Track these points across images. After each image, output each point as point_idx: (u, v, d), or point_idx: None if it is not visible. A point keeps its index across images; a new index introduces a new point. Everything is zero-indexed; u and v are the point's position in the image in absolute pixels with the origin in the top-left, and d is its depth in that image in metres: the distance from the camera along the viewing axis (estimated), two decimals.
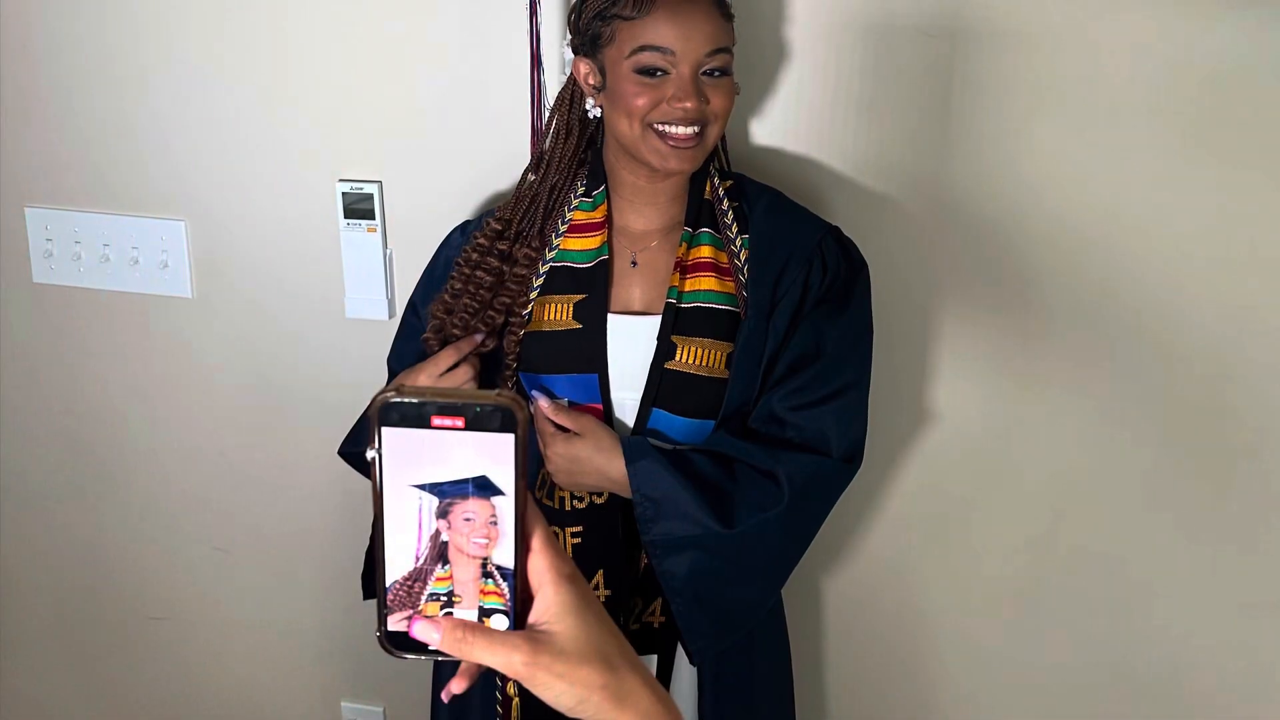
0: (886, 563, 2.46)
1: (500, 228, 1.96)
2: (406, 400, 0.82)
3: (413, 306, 2.09)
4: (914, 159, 2.19)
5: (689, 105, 1.77)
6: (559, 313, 1.91)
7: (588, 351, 1.91)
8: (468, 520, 0.85)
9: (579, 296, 1.91)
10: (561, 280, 1.93)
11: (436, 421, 0.82)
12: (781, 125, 2.22)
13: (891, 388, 2.25)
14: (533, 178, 2.00)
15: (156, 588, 2.85)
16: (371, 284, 2.42)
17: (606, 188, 1.97)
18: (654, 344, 1.90)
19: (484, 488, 0.84)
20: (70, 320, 2.65)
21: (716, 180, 1.99)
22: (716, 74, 1.81)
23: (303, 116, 2.37)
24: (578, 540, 1.95)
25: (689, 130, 1.80)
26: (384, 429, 0.82)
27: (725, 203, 1.97)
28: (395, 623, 0.87)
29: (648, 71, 1.79)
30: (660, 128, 1.81)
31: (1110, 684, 2.42)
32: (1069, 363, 2.25)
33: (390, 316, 2.43)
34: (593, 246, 1.92)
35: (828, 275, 1.96)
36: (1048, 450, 2.31)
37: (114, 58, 2.41)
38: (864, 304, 2.01)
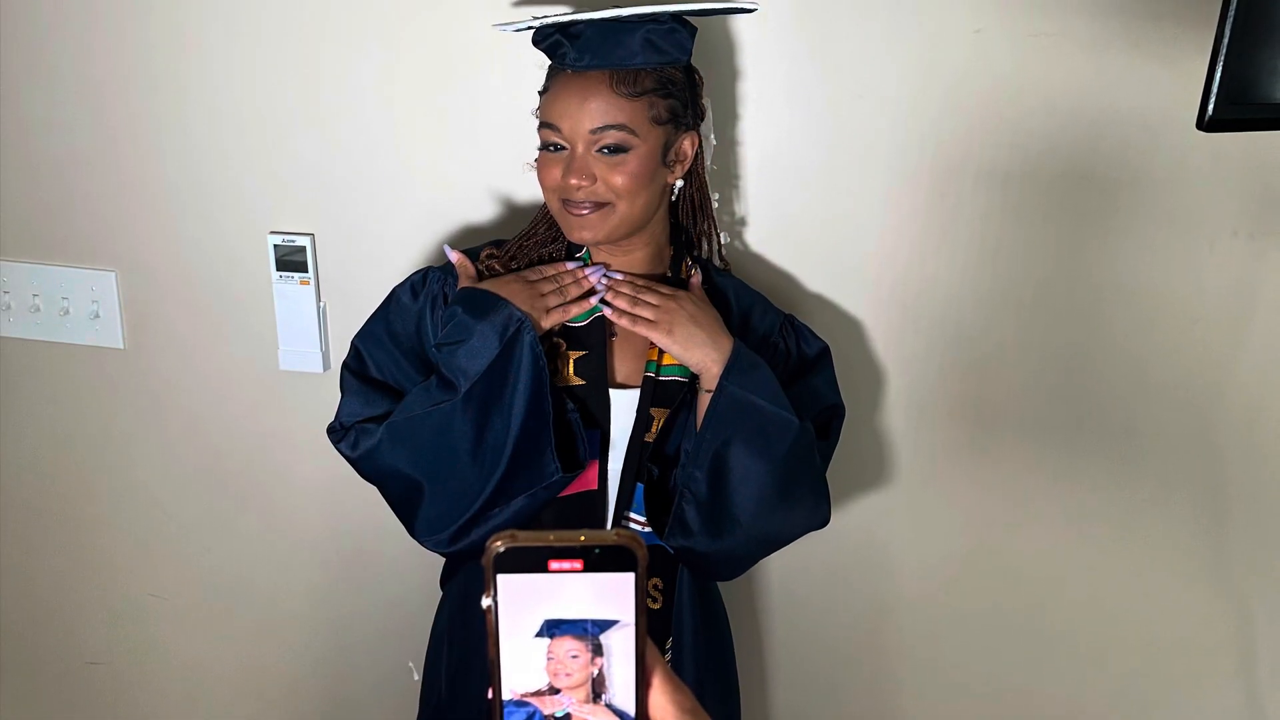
0: (840, 566, 2.44)
1: (501, 270, 1.90)
2: (523, 546, 0.78)
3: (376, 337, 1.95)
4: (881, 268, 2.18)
5: (572, 182, 1.75)
6: (563, 367, 1.85)
7: (592, 407, 1.85)
8: (581, 659, 0.80)
9: (579, 353, 1.86)
10: (561, 337, 1.88)
11: (554, 565, 0.78)
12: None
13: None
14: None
15: (94, 633, 2.78)
16: (305, 337, 2.35)
17: (589, 250, 1.92)
18: (634, 416, 1.85)
19: (603, 628, 0.80)
20: (0, 371, 2.56)
21: (690, 261, 1.96)
22: (610, 151, 1.75)
23: (234, 168, 2.29)
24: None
25: (586, 207, 1.78)
26: (499, 576, 0.78)
27: (697, 277, 1.94)
28: None
29: (547, 147, 1.79)
30: (566, 200, 1.79)
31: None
32: (1018, 388, 2.24)
33: (325, 369, 2.37)
34: (587, 305, 1.85)
35: (791, 359, 1.99)
36: (1000, 469, 2.30)
37: (42, 107, 2.33)
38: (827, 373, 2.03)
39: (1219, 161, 2.02)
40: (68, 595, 2.76)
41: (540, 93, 1.82)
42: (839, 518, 2.15)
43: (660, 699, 0.83)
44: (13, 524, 2.71)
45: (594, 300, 1.84)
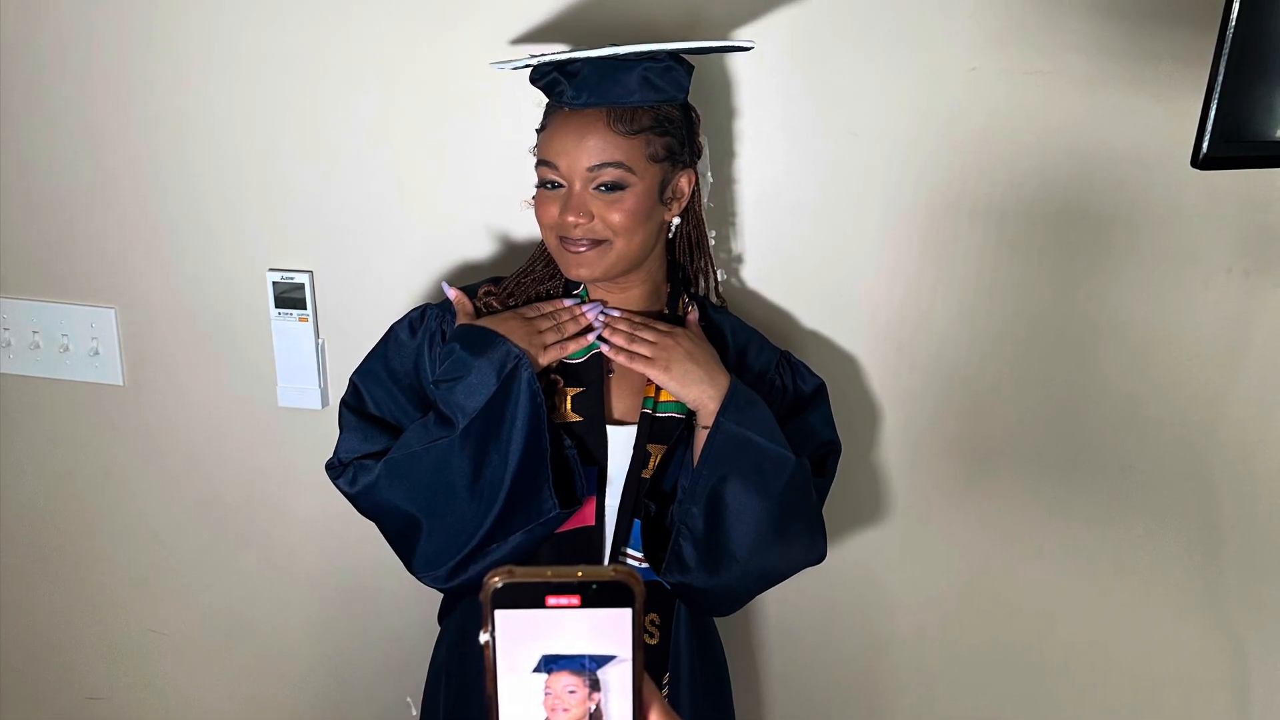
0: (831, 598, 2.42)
1: (499, 307, 1.89)
2: (520, 582, 0.77)
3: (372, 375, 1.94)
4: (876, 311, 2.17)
5: (569, 220, 1.74)
6: (560, 404, 1.83)
7: (589, 443, 1.84)
8: (578, 694, 0.80)
9: (577, 390, 1.84)
10: (559, 374, 1.86)
11: (551, 601, 0.78)
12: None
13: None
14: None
15: (93, 669, 2.75)
16: (304, 373, 2.33)
17: (586, 288, 1.91)
18: (631, 452, 1.83)
19: (600, 663, 0.79)
20: (0, 407, 2.54)
21: (686, 298, 1.94)
22: (607, 188, 1.73)
23: (233, 206, 2.28)
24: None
25: (583, 244, 1.76)
26: (497, 611, 0.78)
27: (694, 313, 1.93)
28: None
29: (545, 184, 1.78)
30: (563, 237, 1.77)
31: None
32: (1014, 424, 2.23)
33: (323, 406, 2.35)
34: (585, 342, 1.84)
35: (788, 396, 1.97)
36: (995, 505, 2.28)
37: (42, 145, 2.31)
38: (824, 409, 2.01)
39: (1214, 199, 2.01)
40: (67, 631, 2.73)
41: (538, 130, 1.80)
42: (835, 553, 2.13)
43: None
44: (13, 559, 2.69)
45: (591, 337, 1.83)
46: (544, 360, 1.78)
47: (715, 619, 2.10)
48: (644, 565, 1.82)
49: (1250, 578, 2.25)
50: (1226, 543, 2.23)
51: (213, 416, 2.44)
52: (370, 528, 1.85)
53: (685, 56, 1.78)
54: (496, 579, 0.77)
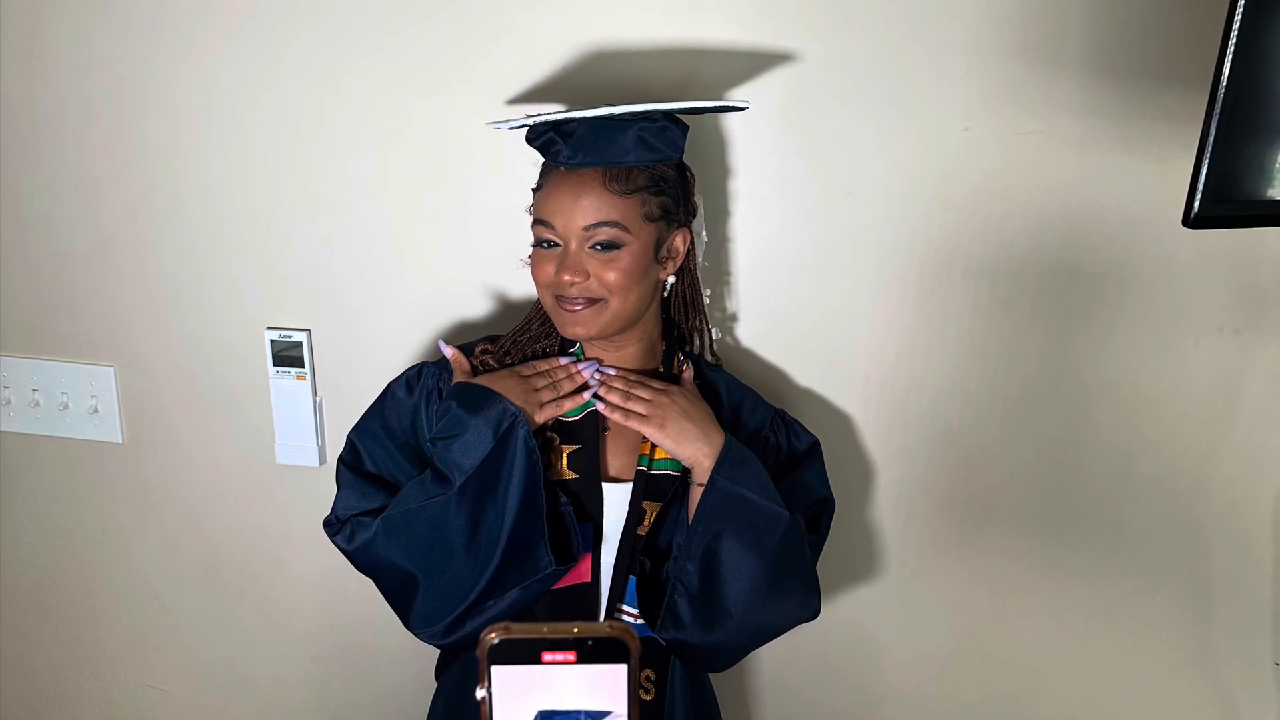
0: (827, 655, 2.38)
1: (496, 365, 1.87)
2: (517, 638, 0.77)
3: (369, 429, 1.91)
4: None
5: (565, 279, 1.72)
6: (556, 461, 1.80)
7: (585, 500, 1.81)
8: None
9: (573, 447, 1.81)
10: (555, 431, 1.84)
11: (548, 657, 0.78)
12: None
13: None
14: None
15: None
16: (302, 431, 2.30)
17: (581, 346, 1.89)
18: (627, 509, 1.81)
19: (596, 719, 0.79)
20: (0, 465, 2.51)
21: (682, 357, 1.92)
22: (603, 247, 1.71)
23: (231, 264, 2.25)
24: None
25: (579, 303, 1.74)
26: (494, 667, 0.78)
27: (689, 372, 1.91)
28: None
29: (541, 243, 1.76)
30: (559, 296, 1.75)
31: None
32: (1006, 482, 2.19)
33: (321, 463, 2.32)
34: (580, 400, 1.81)
35: (782, 454, 1.95)
36: (988, 562, 2.25)
37: (42, 204, 2.29)
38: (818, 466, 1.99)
39: (1204, 258, 1.99)
40: (67, 687, 2.69)
41: (534, 190, 1.78)
42: (829, 610, 2.12)
43: None
44: (12, 616, 2.65)
45: (587, 395, 1.81)
46: (540, 418, 1.75)
47: (710, 675, 2.06)
48: (639, 621, 1.79)
49: (1241, 634, 2.22)
50: (1218, 599, 2.20)
51: (211, 474, 2.41)
52: (368, 584, 1.82)
53: (680, 116, 1.76)
54: (493, 635, 0.76)
